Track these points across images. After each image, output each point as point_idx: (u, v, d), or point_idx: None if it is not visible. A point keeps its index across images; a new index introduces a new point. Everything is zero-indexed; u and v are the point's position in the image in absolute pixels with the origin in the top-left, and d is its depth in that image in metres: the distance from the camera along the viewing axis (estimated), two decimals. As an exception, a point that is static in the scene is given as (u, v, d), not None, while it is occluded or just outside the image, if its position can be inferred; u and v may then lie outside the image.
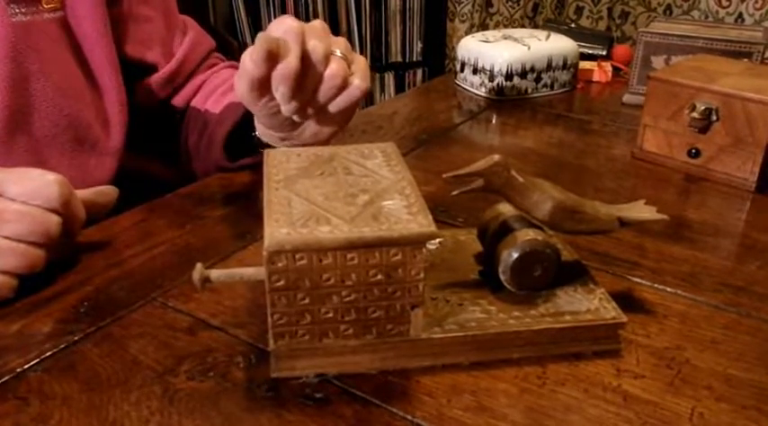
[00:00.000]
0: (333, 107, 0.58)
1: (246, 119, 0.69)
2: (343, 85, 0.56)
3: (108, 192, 0.58)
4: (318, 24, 0.57)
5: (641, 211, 0.50)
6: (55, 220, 0.50)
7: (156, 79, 0.76)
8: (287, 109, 0.56)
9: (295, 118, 0.58)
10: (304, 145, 0.64)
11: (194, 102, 0.78)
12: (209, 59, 0.82)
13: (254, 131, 0.69)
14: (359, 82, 0.57)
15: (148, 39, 0.75)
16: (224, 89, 0.77)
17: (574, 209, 0.48)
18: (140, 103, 0.76)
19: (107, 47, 0.69)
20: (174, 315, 0.49)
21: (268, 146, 0.67)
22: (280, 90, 0.54)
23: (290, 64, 0.53)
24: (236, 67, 0.81)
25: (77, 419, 0.40)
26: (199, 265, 0.43)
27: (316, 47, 0.54)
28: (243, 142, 0.71)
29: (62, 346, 0.46)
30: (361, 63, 0.58)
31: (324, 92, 0.56)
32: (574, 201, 0.48)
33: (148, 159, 0.84)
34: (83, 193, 0.55)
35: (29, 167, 0.52)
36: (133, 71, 0.74)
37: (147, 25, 0.75)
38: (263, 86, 0.55)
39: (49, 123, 0.65)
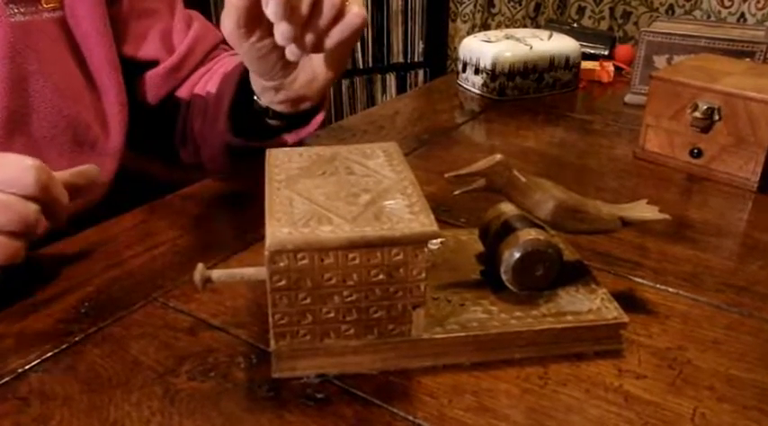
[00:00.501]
0: (330, 40, 0.52)
1: (247, 93, 0.67)
2: (342, 10, 0.51)
3: (89, 173, 0.54)
4: None
5: (643, 211, 0.50)
6: (33, 209, 0.48)
7: (156, 73, 0.75)
8: (280, 31, 0.50)
9: (289, 53, 0.52)
10: (299, 96, 0.61)
11: (197, 89, 0.77)
12: (214, 52, 0.81)
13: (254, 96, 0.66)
14: (358, 9, 0.51)
15: (149, 33, 0.75)
16: (222, 72, 0.75)
17: (576, 209, 0.48)
18: (143, 100, 0.76)
19: (106, 46, 0.69)
20: (175, 316, 0.49)
21: (275, 115, 0.66)
22: (270, 6, 0.48)
23: None
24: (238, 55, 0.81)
25: (78, 419, 0.40)
26: (200, 265, 0.43)
27: None
28: (246, 117, 0.69)
29: (63, 347, 0.46)
30: None
31: (322, 12, 0.50)
32: (576, 201, 0.48)
33: (149, 160, 0.84)
34: (62, 175, 0.52)
35: (7, 152, 0.50)
36: (133, 68, 0.74)
37: (149, 20, 0.75)
38: (250, 22, 0.51)
39: (48, 124, 0.65)
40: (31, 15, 0.63)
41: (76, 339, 0.46)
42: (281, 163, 0.48)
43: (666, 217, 0.50)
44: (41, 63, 0.63)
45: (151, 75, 0.75)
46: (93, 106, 0.70)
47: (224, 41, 0.83)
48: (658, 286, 0.54)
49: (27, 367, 0.44)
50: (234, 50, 0.82)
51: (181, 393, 0.42)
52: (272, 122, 0.68)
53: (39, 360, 0.44)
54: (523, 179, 0.47)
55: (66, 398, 0.41)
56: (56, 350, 0.45)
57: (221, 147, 0.72)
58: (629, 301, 0.51)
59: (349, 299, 0.41)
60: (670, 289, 0.54)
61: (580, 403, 0.42)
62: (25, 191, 0.48)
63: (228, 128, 0.69)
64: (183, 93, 0.77)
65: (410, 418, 0.40)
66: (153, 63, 0.75)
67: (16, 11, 0.62)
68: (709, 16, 2.15)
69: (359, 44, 2.35)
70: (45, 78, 0.64)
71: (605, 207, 0.50)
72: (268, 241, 0.39)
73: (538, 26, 2.31)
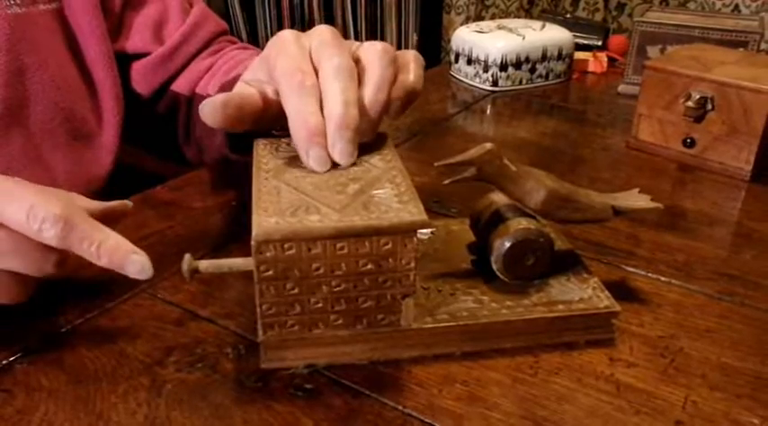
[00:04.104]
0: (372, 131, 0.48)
1: None
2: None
3: (119, 208, 0.47)
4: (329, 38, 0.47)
5: (636, 200, 0.50)
6: (53, 259, 0.40)
7: (147, 62, 0.74)
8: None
9: (314, 162, 0.46)
10: None
11: (198, 89, 0.75)
12: (216, 43, 0.78)
13: None
14: (414, 79, 0.49)
15: (141, 25, 0.74)
16: (226, 69, 0.73)
17: (568, 198, 0.47)
18: (136, 92, 0.75)
19: (101, 39, 0.68)
20: (164, 307, 0.48)
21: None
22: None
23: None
24: (246, 49, 0.79)
25: (63, 411, 0.39)
26: (187, 256, 0.42)
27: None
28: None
29: (49, 338, 0.45)
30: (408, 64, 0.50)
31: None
32: (568, 190, 0.48)
33: (146, 154, 0.83)
34: (95, 208, 0.44)
35: (30, 183, 0.42)
36: (126, 61, 0.73)
37: (142, 11, 0.74)
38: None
39: (45, 117, 0.64)
40: (28, 7, 0.62)
41: (62, 330, 0.46)
42: (269, 152, 0.48)
43: (659, 205, 0.50)
44: (38, 55, 0.63)
45: (142, 65, 0.74)
46: (89, 99, 0.69)
47: (227, 31, 0.81)
48: (651, 275, 0.54)
49: (12, 358, 0.43)
50: (240, 44, 0.81)
51: (168, 384, 0.41)
52: (276, 133, 0.66)
53: (24, 352, 0.44)
54: (514, 168, 0.46)
55: (51, 390, 0.41)
56: (41, 342, 0.45)
57: (222, 158, 0.69)
58: (621, 290, 0.51)
59: (337, 289, 0.41)
60: (662, 279, 0.53)
61: (571, 392, 0.41)
62: (48, 241, 0.39)
63: (226, 144, 0.66)
64: (181, 87, 0.75)
65: (400, 408, 0.40)
66: (143, 55, 0.74)
67: (13, 2, 0.61)
68: (703, 8, 2.15)
69: (353, 38, 2.33)
70: (42, 71, 0.63)
71: (597, 196, 0.49)
72: (254, 230, 0.38)
73: (531, 18, 2.30)
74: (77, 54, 0.68)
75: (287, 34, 0.49)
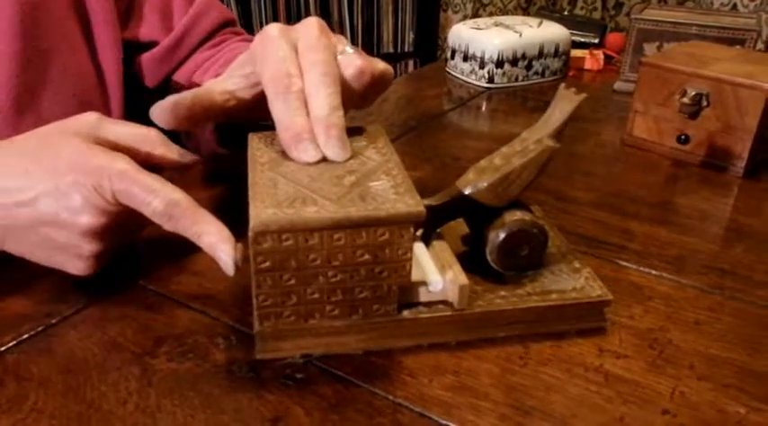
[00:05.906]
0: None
1: None
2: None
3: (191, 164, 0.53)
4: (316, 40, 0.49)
5: (563, 107, 0.48)
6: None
7: (152, 55, 0.73)
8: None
9: (302, 154, 0.49)
10: None
11: (195, 77, 0.74)
12: (219, 34, 0.77)
13: None
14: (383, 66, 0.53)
15: (149, 13, 0.73)
16: (224, 61, 0.72)
17: (505, 175, 0.46)
18: (142, 85, 0.74)
19: (112, 24, 0.67)
20: (155, 298, 0.49)
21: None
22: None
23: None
24: (249, 41, 0.79)
25: (54, 400, 0.39)
26: (239, 245, 0.42)
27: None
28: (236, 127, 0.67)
29: (40, 328, 0.45)
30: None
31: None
32: (500, 169, 0.46)
33: None
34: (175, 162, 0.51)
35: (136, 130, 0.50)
36: (134, 50, 0.73)
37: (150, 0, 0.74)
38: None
39: (58, 104, 0.63)
40: None
41: (53, 321, 0.46)
42: (264, 145, 0.48)
43: (582, 95, 0.48)
44: (52, 41, 0.62)
45: (148, 58, 0.73)
46: (98, 87, 0.68)
47: (232, 21, 0.80)
48: (642, 269, 0.54)
49: (3, 348, 0.43)
50: (244, 35, 0.80)
51: (159, 373, 0.41)
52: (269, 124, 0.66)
53: (15, 342, 0.44)
54: (441, 200, 0.46)
55: (42, 379, 0.41)
56: (32, 332, 0.45)
57: (213, 152, 0.70)
58: (612, 283, 0.51)
59: (334, 280, 0.41)
60: (654, 272, 0.54)
61: (561, 382, 0.42)
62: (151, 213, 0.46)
63: (216, 139, 0.67)
64: (180, 79, 0.75)
65: (390, 397, 0.40)
66: (152, 44, 0.73)
67: None
68: (701, 8, 2.15)
69: (349, 34, 2.34)
70: (56, 57, 0.63)
71: (531, 136, 0.48)
72: (252, 222, 0.38)
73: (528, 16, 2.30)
74: (89, 41, 0.67)
75: (274, 31, 0.49)
